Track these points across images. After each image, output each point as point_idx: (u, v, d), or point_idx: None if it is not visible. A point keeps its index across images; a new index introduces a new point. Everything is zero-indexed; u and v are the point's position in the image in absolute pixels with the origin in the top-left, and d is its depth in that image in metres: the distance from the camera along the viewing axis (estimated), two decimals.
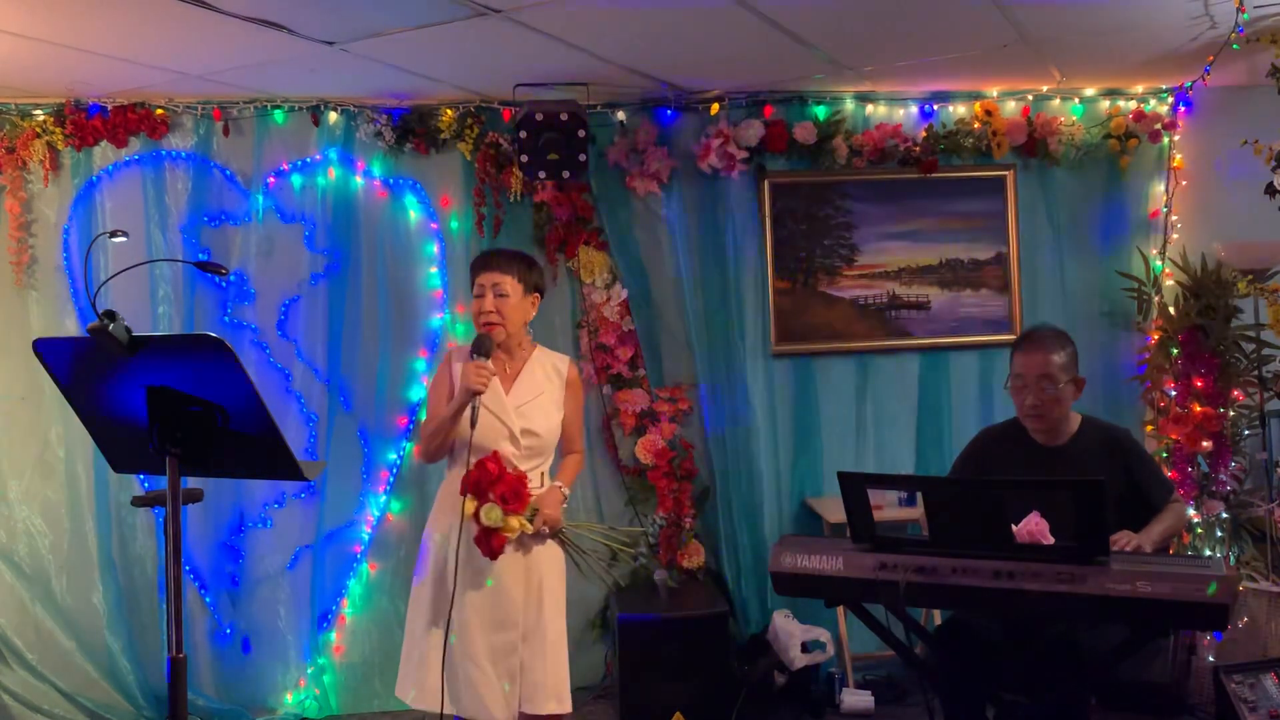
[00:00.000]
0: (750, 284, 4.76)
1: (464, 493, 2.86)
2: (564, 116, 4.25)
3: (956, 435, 4.81)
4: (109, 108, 4.40)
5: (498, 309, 2.99)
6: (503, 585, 2.98)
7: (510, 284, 3.00)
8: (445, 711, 2.94)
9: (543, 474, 3.09)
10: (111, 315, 1.93)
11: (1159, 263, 4.91)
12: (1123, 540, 2.80)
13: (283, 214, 4.59)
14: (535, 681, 2.99)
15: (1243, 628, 4.14)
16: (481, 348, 2.91)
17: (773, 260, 4.81)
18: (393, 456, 4.64)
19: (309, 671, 4.52)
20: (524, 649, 2.99)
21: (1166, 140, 4.89)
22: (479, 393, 2.82)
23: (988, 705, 3.03)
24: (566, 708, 3.04)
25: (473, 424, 2.82)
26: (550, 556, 3.07)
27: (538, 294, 3.11)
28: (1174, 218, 4.91)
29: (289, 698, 4.50)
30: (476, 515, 2.84)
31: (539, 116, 4.25)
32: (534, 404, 3.05)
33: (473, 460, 2.88)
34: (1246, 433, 4.66)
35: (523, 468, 2.97)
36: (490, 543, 2.86)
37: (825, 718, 4.33)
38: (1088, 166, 4.92)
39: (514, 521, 2.87)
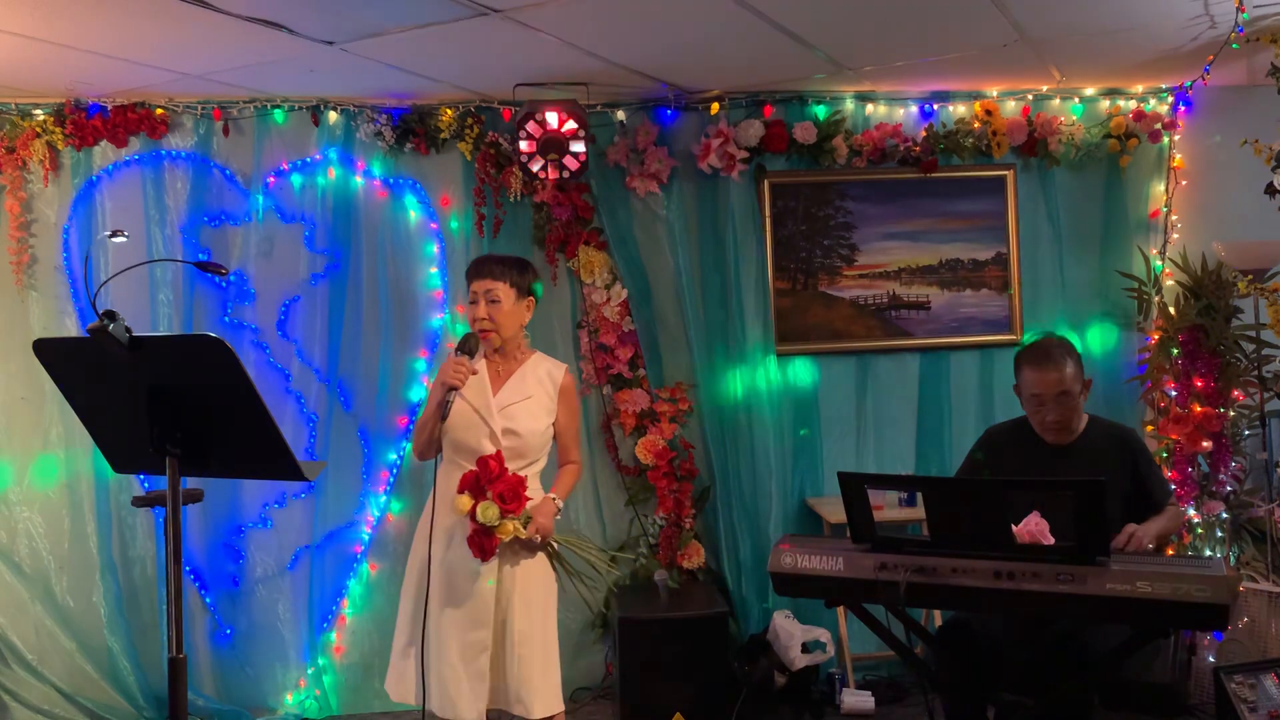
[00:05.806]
0: (750, 284, 4.76)
1: (461, 490, 2.88)
2: (564, 116, 4.26)
3: (956, 435, 4.82)
4: (109, 108, 4.40)
5: (491, 315, 3.02)
6: (479, 585, 2.98)
7: (503, 290, 3.03)
8: (420, 706, 2.97)
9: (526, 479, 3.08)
10: (111, 315, 1.93)
11: (1159, 263, 4.91)
12: (1125, 531, 2.82)
13: (283, 214, 4.59)
14: (518, 681, 2.98)
15: (1243, 628, 4.14)
16: (466, 345, 2.98)
17: (773, 260, 4.81)
18: (393, 456, 4.64)
19: (309, 672, 4.52)
20: (502, 651, 2.99)
21: (1166, 140, 4.89)
22: (454, 387, 2.89)
23: (989, 705, 3.03)
24: (547, 711, 3.00)
25: (443, 417, 2.91)
26: (531, 558, 3.06)
27: (532, 298, 3.13)
28: (1174, 218, 4.92)
29: (289, 698, 4.50)
30: (473, 513, 2.85)
31: (539, 116, 4.26)
32: (520, 406, 3.05)
33: (445, 456, 3.02)
34: (1246, 433, 4.66)
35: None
36: (484, 543, 2.87)
37: (825, 718, 4.34)
38: (1088, 166, 4.92)
39: (509, 525, 2.87)
